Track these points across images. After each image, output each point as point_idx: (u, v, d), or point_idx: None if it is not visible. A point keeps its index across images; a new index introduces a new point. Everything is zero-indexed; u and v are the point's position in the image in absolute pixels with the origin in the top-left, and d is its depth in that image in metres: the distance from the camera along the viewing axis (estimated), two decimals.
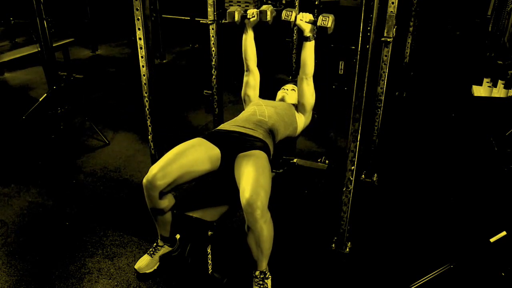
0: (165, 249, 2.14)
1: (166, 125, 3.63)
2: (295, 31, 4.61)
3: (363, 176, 2.84)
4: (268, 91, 2.64)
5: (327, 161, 2.43)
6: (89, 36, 5.88)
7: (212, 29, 2.95)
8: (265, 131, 2.10)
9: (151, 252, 2.12)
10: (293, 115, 2.31)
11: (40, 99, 3.49)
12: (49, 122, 3.48)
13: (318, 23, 2.07)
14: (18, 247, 2.29)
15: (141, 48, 2.36)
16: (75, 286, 2.04)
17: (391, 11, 2.39)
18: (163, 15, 5.57)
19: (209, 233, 1.84)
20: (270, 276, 1.93)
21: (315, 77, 2.24)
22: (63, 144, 3.37)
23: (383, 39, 2.42)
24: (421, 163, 3.13)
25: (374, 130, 2.79)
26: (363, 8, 1.73)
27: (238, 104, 4.05)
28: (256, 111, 2.23)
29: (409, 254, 2.24)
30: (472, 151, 3.24)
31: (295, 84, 2.57)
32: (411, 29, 4.08)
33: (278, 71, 5.06)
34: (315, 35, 2.16)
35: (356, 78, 1.86)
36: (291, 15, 2.12)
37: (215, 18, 2.92)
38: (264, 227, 1.75)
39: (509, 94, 3.71)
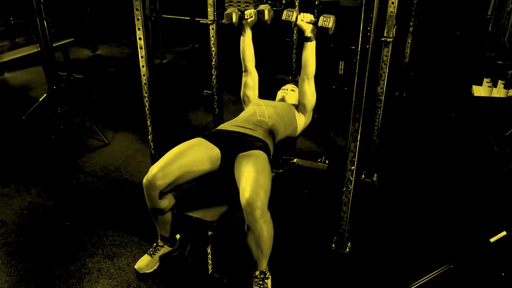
0: (165, 249, 2.14)
1: (166, 125, 3.64)
2: (295, 31, 4.61)
3: (363, 176, 2.84)
4: (268, 91, 2.64)
5: (327, 161, 2.43)
6: (89, 36, 5.88)
7: (212, 29, 2.95)
8: (265, 131, 2.10)
9: (151, 252, 2.12)
10: (293, 115, 2.31)
11: (40, 99, 3.49)
12: (49, 122, 3.48)
13: (319, 24, 2.07)
14: (18, 247, 2.29)
15: (141, 48, 2.36)
16: (75, 286, 2.04)
17: (391, 11, 2.39)
18: (163, 15, 5.57)
19: (209, 233, 1.84)
20: (270, 276, 1.93)
21: (315, 77, 2.24)
22: (63, 144, 3.37)
23: (383, 39, 2.42)
24: (421, 163, 3.13)
25: (374, 130, 2.79)
26: (363, 8, 1.73)
27: (238, 104, 4.05)
28: (256, 111, 2.23)
29: (409, 254, 2.24)
30: (472, 151, 3.24)
31: (295, 84, 2.58)
32: (411, 29, 4.08)
33: (278, 71, 5.06)
34: (316, 36, 2.16)
35: (356, 78, 1.86)
36: (292, 15, 2.12)
37: (215, 18, 2.92)
38: (264, 227, 1.75)
39: (509, 94, 3.71)
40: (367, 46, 1.80)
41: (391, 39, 2.44)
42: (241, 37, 2.37)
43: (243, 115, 2.27)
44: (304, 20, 2.12)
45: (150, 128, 2.62)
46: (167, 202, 1.97)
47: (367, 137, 2.74)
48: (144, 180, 1.87)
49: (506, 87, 3.73)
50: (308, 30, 2.13)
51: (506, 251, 1.82)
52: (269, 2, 6.13)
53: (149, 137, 2.65)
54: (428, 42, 6.17)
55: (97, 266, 2.16)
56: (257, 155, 1.92)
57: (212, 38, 2.99)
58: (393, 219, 2.51)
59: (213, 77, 3.11)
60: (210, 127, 3.58)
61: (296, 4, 4.45)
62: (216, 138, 2.05)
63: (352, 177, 2.07)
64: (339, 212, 2.18)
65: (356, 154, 2.01)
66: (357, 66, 1.84)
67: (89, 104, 4.21)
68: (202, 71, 4.35)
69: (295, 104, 2.44)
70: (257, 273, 1.91)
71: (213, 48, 3.02)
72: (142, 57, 2.38)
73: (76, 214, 2.55)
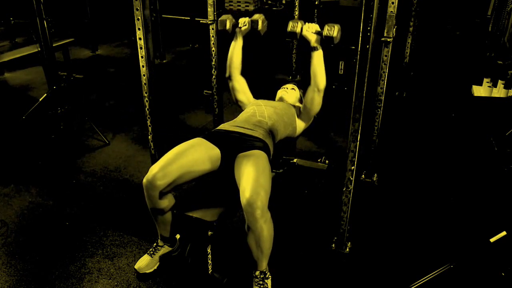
0: (165, 249, 2.14)
1: (166, 125, 3.64)
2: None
3: (363, 176, 2.84)
4: (268, 91, 2.64)
5: (327, 161, 2.43)
6: (89, 36, 5.88)
7: (212, 29, 2.96)
8: (264, 131, 2.10)
9: (151, 252, 2.12)
10: (293, 115, 2.31)
11: (40, 99, 3.49)
12: (49, 122, 3.48)
13: (324, 33, 2.08)
14: (18, 247, 2.29)
15: (141, 48, 2.36)
16: (75, 286, 2.04)
17: (391, 11, 2.39)
18: (163, 15, 5.57)
19: (209, 233, 1.84)
20: (270, 276, 1.93)
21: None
22: (63, 144, 3.37)
23: (383, 39, 2.42)
24: (421, 163, 3.13)
25: (374, 130, 2.79)
26: (363, 8, 1.73)
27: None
28: (255, 111, 2.23)
29: (409, 254, 2.24)
30: (472, 151, 3.24)
31: (295, 84, 2.58)
32: (411, 29, 4.08)
33: (278, 71, 5.06)
34: (321, 45, 2.15)
35: (356, 78, 1.86)
36: (297, 26, 2.13)
37: (215, 18, 2.92)
38: (264, 227, 1.75)
39: (509, 94, 3.71)
40: (367, 46, 1.80)
41: (391, 39, 2.44)
42: (232, 43, 2.38)
43: (243, 115, 2.27)
44: (309, 31, 2.13)
45: (150, 128, 2.62)
46: (167, 202, 1.97)
47: (367, 137, 2.74)
48: (144, 180, 1.87)
49: (506, 87, 3.73)
50: (313, 40, 2.13)
51: (506, 251, 1.82)
52: (269, 2, 6.13)
53: (149, 137, 2.65)
54: (428, 42, 6.17)
55: (97, 266, 2.16)
56: (257, 155, 1.92)
57: (212, 38, 2.99)
58: (393, 219, 2.51)
59: (213, 77, 3.11)
60: (210, 127, 3.58)
61: (296, 4, 4.45)
62: (216, 138, 2.05)
63: (352, 177, 2.07)
64: (339, 212, 2.18)
65: (356, 154, 2.01)
66: (357, 66, 1.84)
67: (89, 104, 4.21)
68: (202, 71, 4.35)
69: (294, 103, 2.44)
70: (257, 273, 1.91)
71: (213, 48, 3.02)
72: (142, 57, 2.38)
73: (76, 214, 2.55)
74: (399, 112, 3.93)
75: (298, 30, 2.14)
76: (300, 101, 2.52)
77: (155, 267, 2.10)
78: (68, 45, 4.86)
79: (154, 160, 2.60)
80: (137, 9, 2.26)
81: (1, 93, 4.51)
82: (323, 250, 2.26)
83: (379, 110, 2.71)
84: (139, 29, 2.31)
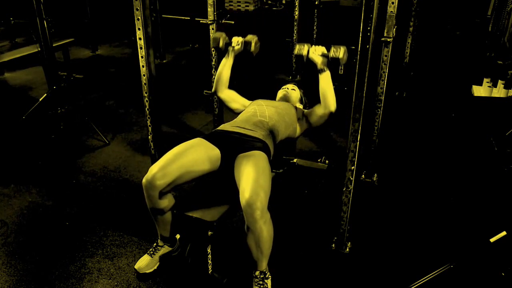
0: (165, 249, 2.14)
1: (166, 125, 3.64)
2: (295, 31, 4.61)
3: (363, 176, 2.84)
4: (268, 91, 2.65)
5: (327, 161, 2.42)
6: (89, 36, 5.88)
7: (212, 29, 2.96)
8: (265, 132, 2.10)
9: (151, 252, 2.12)
10: (294, 115, 2.31)
11: (40, 99, 3.49)
12: (49, 122, 3.48)
13: (330, 55, 2.09)
14: (18, 247, 2.29)
15: (141, 48, 2.36)
16: (75, 286, 2.04)
17: (391, 11, 2.39)
18: (163, 15, 5.57)
19: (209, 233, 1.84)
20: (270, 276, 1.93)
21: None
22: (63, 144, 3.37)
23: (383, 39, 2.43)
24: (421, 163, 3.13)
25: (374, 130, 2.79)
26: (363, 8, 1.73)
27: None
28: (256, 111, 2.23)
29: (409, 254, 2.24)
30: (472, 151, 3.24)
31: (296, 84, 2.58)
32: (411, 29, 4.08)
33: (278, 71, 5.06)
34: (328, 67, 2.16)
35: (356, 78, 1.87)
36: (303, 49, 2.15)
37: (215, 18, 2.92)
38: (263, 228, 1.75)
39: (509, 94, 3.71)
40: (367, 46, 1.80)
41: (391, 39, 2.44)
42: (223, 60, 2.39)
43: (243, 115, 2.27)
44: (316, 53, 2.13)
45: (150, 128, 2.62)
46: (167, 202, 1.97)
47: (367, 137, 2.74)
48: (144, 180, 1.87)
49: (506, 87, 3.73)
50: (319, 62, 2.13)
51: (506, 251, 1.83)
52: (269, 2, 6.13)
53: (149, 137, 2.65)
54: (428, 42, 6.17)
55: (97, 266, 2.16)
56: (257, 156, 1.92)
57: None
58: (393, 219, 2.51)
59: (213, 77, 3.11)
60: (210, 127, 3.58)
61: (296, 4, 4.45)
62: (216, 138, 2.05)
63: (352, 177, 2.07)
64: (339, 212, 2.18)
65: (356, 154, 2.01)
66: (357, 66, 1.84)
67: (89, 104, 4.21)
68: (202, 71, 4.35)
69: (295, 104, 2.45)
70: (257, 273, 1.91)
71: (213, 48, 3.01)
72: (142, 57, 2.38)
73: (76, 214, 2.55)
74: (399, 112, 3.93)
75: (304, 52, 2.16)
76: (301, 101, 2.52)
77: (155, 267, 2.10)
78: (68, 45, 4.86)
79: (154, 160, 2.60)
80: (137, 9, 2.27)
81: (1, 93, 4.51)
82: (323, 250, 2.26)
83: (379, 110, 2.71)
84: (139, 29, 2.31)
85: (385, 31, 2.43)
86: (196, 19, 5.80)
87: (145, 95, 2.51)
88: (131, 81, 4.69)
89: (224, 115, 3.33)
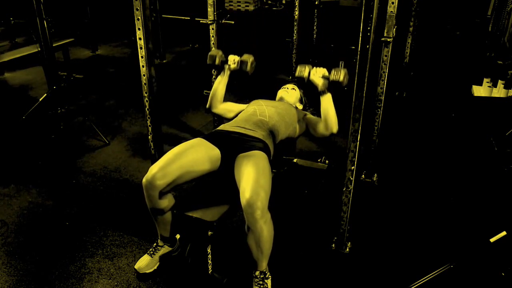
0: (165, 249, 2.14)
1: (166, 125, 3.64)
2: (295, 31, 4.61)
3: (363, 176, 2.84)
4: (268, 91, 2.64)
5: (327, 161, 2.43)
6: (89, 36, 5.88)
7: (212, 29, 2.96)
8: (265, 132, 2.10)
9: (151, 252, 2.12)
10: (294, 115, 2.31)
11: (40, 99, 3.49)
12: (49, 122, 3.48)
13: (331, 78, 2.07)
14: (18, 247, 2.29)
15: (141, 48, 2.36)
16: (75, 286, 2.04)
17: (391, 11, 2.39)
18: (163, 15, 5.57)
19: (209, 233, 1.84)
20: (270, 276, 1.93)
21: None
22: (63, 144, 3.37)
23: (383, 39, 2.43)
24: (421, 163, 3.13)
25: (374, 130, 2.79)
26: (363, 8, 1.73)
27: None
28: (256, 111, 2.23)
29: (409, 254, 2.24)
30: (472, 151, 3.24)
31: (296, 84, 2.58)
32: (411, 29, 4.08)
33: (278, 71, 5.06)
34: (329, 89, 2.14)
35: (356, 78, 1.87)
36: (304, 71, 2.14)
37: (215, 18, 2.92)
38: (264, 228, 1.75)
39: (509, 94, 3.71)
40: (367, 46, 1.80)
41: (391, 39, 2.44)
42: (218, 78, 2.38)
43: (243, 115, 2.27)
44: (317, 75, 2.12)
45: (150, 128, 2.62)
46: (167, 202, 1.97)
47: (367, 137, 2.74)
48: (144, 180, 1.87)
49: (506, 87, 3.73)
50: (320, 84, 2.11)
51: (506, 251, 1.83)
52: (269, 2, 6.13)
53: (149, 137, 2.65)
54: (428, 42, 6.17)
55: (97, 266, 2.16)
56: (257, 156, 1.92)
57: (212, 38, 2.99)
58: (393, 219, 2.51)
59: (213, 77, 3.11)
60: (210, 127, 3.59)
61: (296, 4, 4.45)
62: (216, 138, 2.05)
63: (352, 177, 2.07)
64: (339, 212, 2.18)
65: (356, 154, 2.01)
66: (357, 66, 1.84)
67: (89, 104, 4.21)
68: (202, 71, 4.35)
69: (295, 104, 2.44)
70: (257, 273, 1.91)
71: (213, 48, 3.02)
72: (142, 57, 2.38)
73: (76, 214, 2.55)
74: (399, 112, 3.93)
75: (305, 74, 2.14)
76: (301, 101, 2.52)
77: (155, 267, 2.10)
78: (68, 45, 4.86)
79: (154, 160, 2.60)
80: (137, 9, 2.27)
81: (1, 93, 4.51)
82: (323, 250, 2.26)
83: (379, 110, 2.71)
84: (139, 29, 2.31)
85: (385, 31, 2.43)
86: (196, 19, 5.82)
87: (145, 95, 2.51)
88: (131, 81, 4.69)
89: None
